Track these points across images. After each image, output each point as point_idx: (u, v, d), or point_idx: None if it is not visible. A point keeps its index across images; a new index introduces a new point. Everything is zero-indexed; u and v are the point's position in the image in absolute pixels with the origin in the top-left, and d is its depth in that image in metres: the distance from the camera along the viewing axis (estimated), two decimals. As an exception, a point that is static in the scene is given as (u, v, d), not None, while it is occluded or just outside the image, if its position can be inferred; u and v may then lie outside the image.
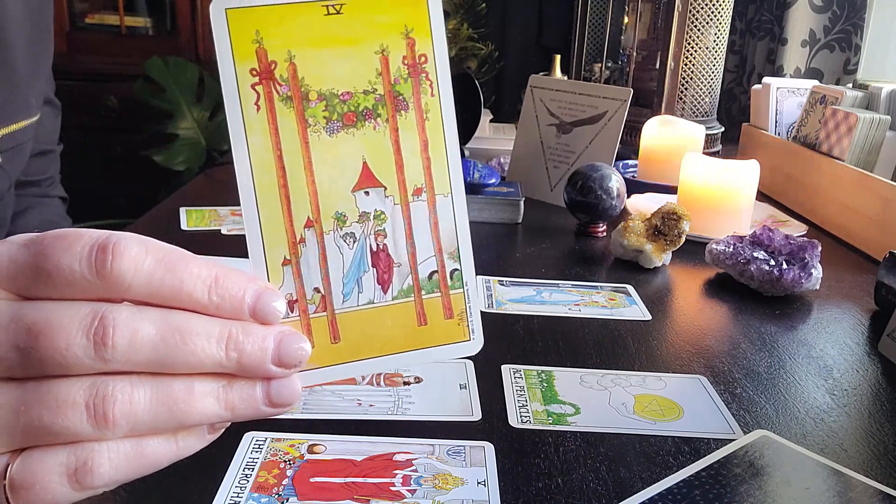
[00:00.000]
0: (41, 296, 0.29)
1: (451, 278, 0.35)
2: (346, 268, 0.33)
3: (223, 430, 0.32)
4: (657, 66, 1.39)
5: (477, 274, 0.35)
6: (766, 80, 1.35)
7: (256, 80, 0.32)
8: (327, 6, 0.32)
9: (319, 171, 0.33)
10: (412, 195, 0.34)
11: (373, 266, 0.34)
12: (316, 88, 0.32)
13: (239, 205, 0.32)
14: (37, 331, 0.28)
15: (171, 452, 0.30)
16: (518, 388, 0.58)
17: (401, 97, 0.33)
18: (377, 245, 0.34)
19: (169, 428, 0.30)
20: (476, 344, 0.35)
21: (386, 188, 0.33)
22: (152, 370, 0.29)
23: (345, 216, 0.33)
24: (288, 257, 0.33)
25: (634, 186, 1.14)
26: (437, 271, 0.34)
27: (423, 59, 0.33)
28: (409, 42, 0.33)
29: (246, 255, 0.32)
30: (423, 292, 0.34)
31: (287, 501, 0.44)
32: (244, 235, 0.32)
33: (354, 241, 0.33)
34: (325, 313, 0.33)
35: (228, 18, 0.31)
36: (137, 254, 0.28)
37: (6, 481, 0.28)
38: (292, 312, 0.33)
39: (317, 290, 0.33)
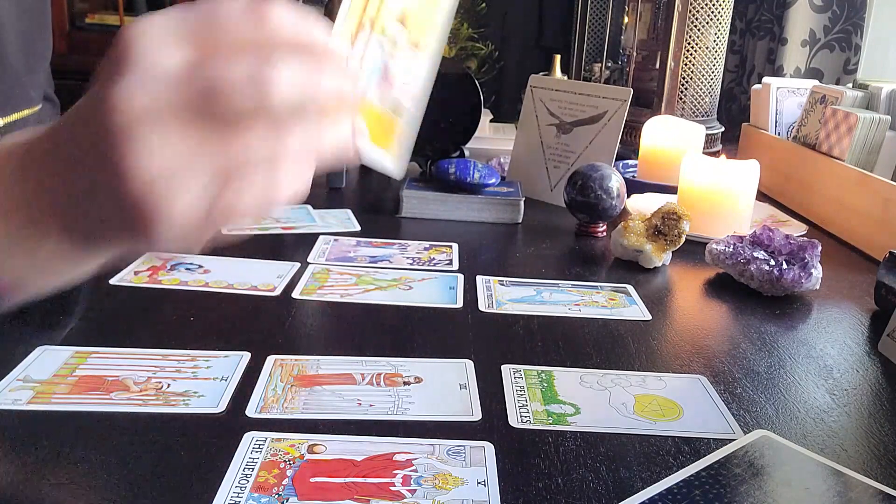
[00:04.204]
0: None
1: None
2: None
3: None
4: (657, 66, 1.39)
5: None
6: (766, 80, 1.35)
7: None
8: None
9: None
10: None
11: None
12: None
13: None
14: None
15: None
16: (518, 388, 0.58)
17: None
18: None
19: None
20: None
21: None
22: None
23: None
24: None
25: (634, 186, 1.14)
26: None
27: None
28: None
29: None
30: None
31: (287, 501, 0.44)
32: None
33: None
34: None
35: None
36: None
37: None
38: None
39: None
